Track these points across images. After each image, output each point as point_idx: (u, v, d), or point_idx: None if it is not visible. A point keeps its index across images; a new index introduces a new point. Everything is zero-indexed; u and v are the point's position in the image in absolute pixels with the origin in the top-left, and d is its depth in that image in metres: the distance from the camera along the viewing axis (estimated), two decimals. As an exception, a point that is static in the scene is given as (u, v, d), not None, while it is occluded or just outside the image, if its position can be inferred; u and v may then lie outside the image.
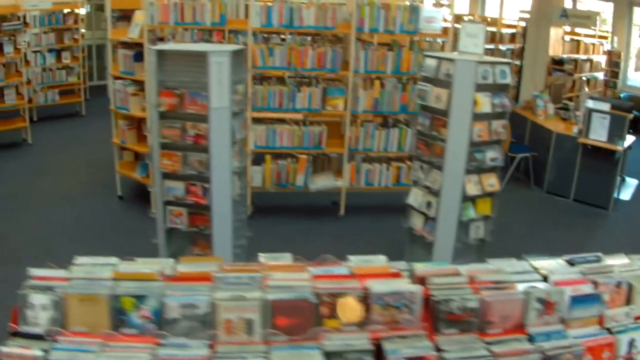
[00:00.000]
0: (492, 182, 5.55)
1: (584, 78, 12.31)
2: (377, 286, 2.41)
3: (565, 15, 9.98)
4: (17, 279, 5.34)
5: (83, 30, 11.95)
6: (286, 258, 2.94)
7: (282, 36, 9.19)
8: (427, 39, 9.22)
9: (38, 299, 2.47)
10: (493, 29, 13.53)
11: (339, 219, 7.43)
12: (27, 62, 10.37)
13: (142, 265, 2.77)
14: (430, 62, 5.49)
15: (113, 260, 2.81)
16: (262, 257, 2.89)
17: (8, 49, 9.64)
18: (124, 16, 7.39)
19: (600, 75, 13.45)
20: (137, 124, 7.23)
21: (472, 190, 5.45)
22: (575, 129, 8.51)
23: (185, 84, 4.72)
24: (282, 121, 7.05)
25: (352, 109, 6.98)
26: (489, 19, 13.88)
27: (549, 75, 10.79)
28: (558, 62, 10.96)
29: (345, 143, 7.08)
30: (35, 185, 8.28)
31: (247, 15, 6.81)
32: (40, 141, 10.30)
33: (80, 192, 8.08)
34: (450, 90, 5.21)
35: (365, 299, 2.38)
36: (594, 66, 12.95)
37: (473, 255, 5.74)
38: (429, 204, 5.68)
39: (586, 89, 11.72)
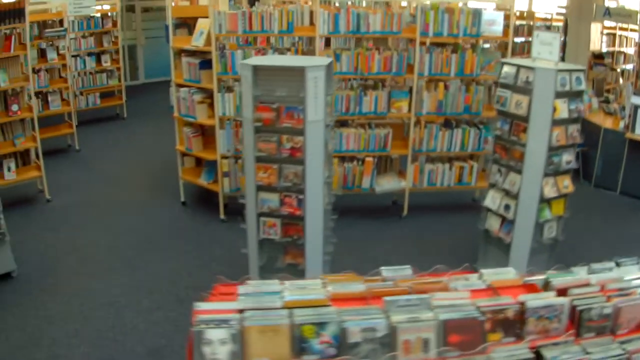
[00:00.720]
0: (566, 184, 5.68)
1: (620, 70, 12.33)
2: (533, 301, 2.59)
3: (608, 13, 10.07)
4: (95, 294, 5.50)
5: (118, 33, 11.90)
6: (406, 270, 3.09)
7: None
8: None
9: (215, 334, 2.49)
10: (522, 22, 13.53)
11: (402, 219, 7.53)
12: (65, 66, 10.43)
13: (303, 291, 2.84)
14: (509, 69, 5.59)
15: (274, 285, 2.89)
16: (385, 271, 3.08)
17: (52, 54, 9.71)
18: (183, 23, 7.42)
19: (630, 67, 13.44)
20: (202, 131, 7.29)
21: (550, 192, 5.59)
22: (621, 124, 8.60)
23: (280, 98, 4.79)
24: (347, 124, 7.13)
25: (416, 111, 7.04)
26: (516, 13, 13.83)
27: (590, 70, 10.85)
28: (598, 57, 11.01)
29: (409, 144, 7.17)
30: (94, 193, 8.39)
31: (311, 22, 6.84)
32: (86, 146, 10.38)
33: (141, 199, 8.18)
34: (530, 97, 5.33)
35: (522, 313, 2.56)
36: (627, 58, 12.96)
37: (545, 254, 5.89)
38: (507, 207, 5.77)
39: (621, 81, 11.76)
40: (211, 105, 7.09)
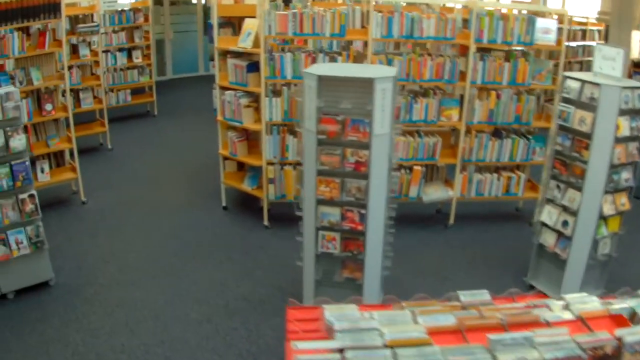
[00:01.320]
0: (623, 202, 5.58)
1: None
2: (630, 337, 2.53)
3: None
4: (139, 304, 5.34)
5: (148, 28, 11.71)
6: (484, 295, 3.07)
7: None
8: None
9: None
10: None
11: (448, 229, 7.34)
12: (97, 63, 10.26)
13: (399, 327, 2.71)
14: (573, 84, 5.43)
15: (373, 322, 2.74)
16: (462, 296, 3.04)
17: (84, 51, 9.55)
18: (227, 22, 7.22)
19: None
20: (246, 135, 7.11)
21: (608, 210, 5.49)
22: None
23: (345, 110, 4.61)
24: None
25: (467, 120, 6.84)
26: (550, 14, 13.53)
27: (630, 78, 10.57)
28: (637, 65, 10.73)
29: (459, 154, 6.99)
30: (130, 195, 8.26)
31: (362, 25, 6.63)
32: (118, 145, 10.23)
33: (180, 202, 8.04)
34: (594, 114, 5.20)
35: (619, 348, 2.52)
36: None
37: (598, 270, 5.81)
38: (565, 223, 5.62)
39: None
40: (257, 110, 6.90)
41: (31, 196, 5.57)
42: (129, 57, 11.45)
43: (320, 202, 4.91)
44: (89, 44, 9.63)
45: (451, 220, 7.38)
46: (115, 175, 8.93)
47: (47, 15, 7.02)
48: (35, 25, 7.16)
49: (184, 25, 15.84)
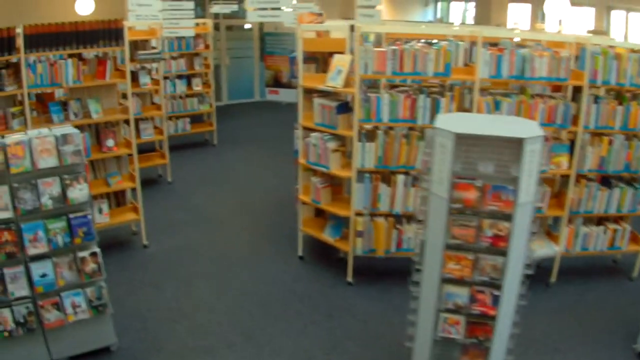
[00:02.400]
0: None
1: None
2: None
3: None
4: None
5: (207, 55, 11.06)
6: None
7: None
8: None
9: None
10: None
11: (550, 288, 6.44)
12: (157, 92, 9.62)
13: None
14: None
15: None
16: None
17: (144, 79, 8.88)
18: (311, 57, 6.49)
19: None
20: (331, 182, 6.35)
21: None
22: None
23: (484, 174, 3.81)
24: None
25: (578, 168, 6.02)
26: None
27: None
28: None
29: (567, 204, 6.11)
30: (194, 238, 7.54)
31: (465, 63, 5.85)
32: (178, 178, 9.55)
33: (249, 248, 7.30)
34: None
35: None
36: None
37: None
38: None
39: None
40: (344, 153, 6.16)
41: (93, 254, 4.84)
42: (189, 84, 10.82)
43: (446, 280, 4.10)
44: (149, 71, 8.99)
45: (553, 278, 6.50)
46: (177, 213, 8.22)
47: (108, 42, 6.36)
48: (93, 53, 6.50)
49: (240, 51, 15.27)
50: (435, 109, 5.72)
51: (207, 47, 10.89)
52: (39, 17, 12.09)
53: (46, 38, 6.04)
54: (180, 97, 10.75)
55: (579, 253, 6.45)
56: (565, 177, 6.18)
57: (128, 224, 7.36)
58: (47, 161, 4.52)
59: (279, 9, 6.69)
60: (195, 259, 6.95)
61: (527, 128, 3.92)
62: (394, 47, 5.63)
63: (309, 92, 6.23)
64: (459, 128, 3.80)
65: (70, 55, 6.25)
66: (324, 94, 6.11)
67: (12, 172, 4.42)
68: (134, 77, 8.80)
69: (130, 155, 6.84)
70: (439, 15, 19.92)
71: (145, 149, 9.37)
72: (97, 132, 6.74)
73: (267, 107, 15.36)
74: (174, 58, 10.53)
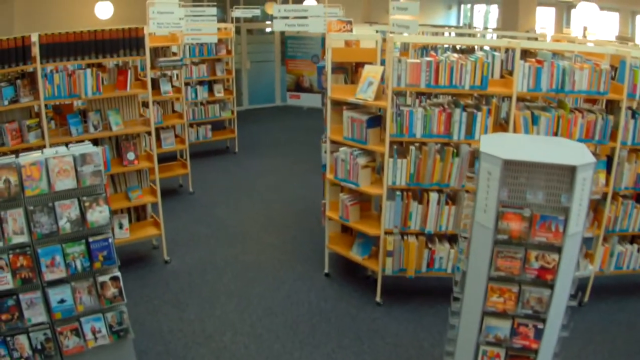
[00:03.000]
0: None
1: None
2: None
3: None
4: None
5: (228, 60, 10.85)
6: None
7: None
8: None
9: None
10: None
11: (583, 307, 6.14)
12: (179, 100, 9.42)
13: None
14: None
15: None
16: None
17: (165, 87, 8.68)
18: (339, 67, 6.24)
19: None
20: (360, 198, 6.10)
21: None
22: None
23: (532, 202, 3.54)
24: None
25: (616, 185, 5.77)
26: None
27: None
28: None
29: (603, 223, 5.85)
30: (217, 253, 7.33)
31: (501, 75, 5.57)
32: (199, 188, 9.35)
33: (273, 264, 7.06)
34: None
35: None
36: None
37: None
38: None
39: None
40: (374, 169, 5.91)
41: (114, 279, 4.61)
42: (210, 90, 10.62)
43: (488, 313, 3.83)
44: (170, 78, 8.79)
45: (586, 298, 6.21)
46: (199, 226, 8.01)
47: (128, 51, 6.15)
48: (113, 62, 6.30)
49: (261, 55, 15.05)
50: (471, 124, 5.45)
51: (229, 52, 10.68)
52: (59, 22, 12.00)
53: (63, 47, 5.85)
54: (202, 104, 10.56)
55: (614, 272, 6.19)
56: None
57: (149, 239, 7.14)
58: (65, 183, 4.29)
59: (305, 17, 6.42)
60: (219, 275, 6.73)
61: (576, 153, 3.65)
62: (428, 59, 5.37)
63: (338, 104, 5.98)
64: (506, 153, 3.53)
65: (89, 65, 6.06)
66: (354, 106, 5.85)
67: (28, 194, 4.19)
68: (155, 84, 8.61)
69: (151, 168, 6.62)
70: (462, 19, 19.60)
71: (166, 158, 9.18)
72: (118, 145, 6.55)
73: (289, 112, 15.15)
74: (195, 64, 10.33)
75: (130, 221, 6.86)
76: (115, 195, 6.64)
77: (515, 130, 5.49)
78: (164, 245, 6.99)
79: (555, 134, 5.53)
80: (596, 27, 12.56)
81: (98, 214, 4.44)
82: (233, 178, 9.97)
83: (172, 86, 8.77)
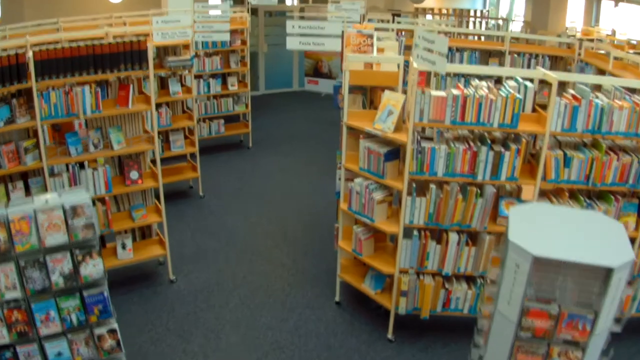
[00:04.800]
0: None
1: None
2: None
3: None
4: None
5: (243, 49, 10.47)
6: None
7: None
8: None
9: None
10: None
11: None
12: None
13: None
14: None
15: None
16: None
17: (175, 87, 8.33)
18: (357, 87, 5.89)
19: None
20: (375, 231, 5.81)
21: None
22: None
23: (560, 297, 3.24)
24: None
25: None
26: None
27: None
28: None
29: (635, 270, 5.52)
30: (226, 273, 7.09)
31: (533, 108, 5.20)
32: (211, 191, 9.09)
33: (285, 289, 6.81)
34: None
35: None
36: None
37: None
38: None
39: None
40: (391, 203, 5.60)
41: (111, 331, 4.40)
42: (224, 83, 10.27)
43: (508, 406, 3.56)
44: (181, 77, 8.46)
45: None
46: (208, 239, 7.76)
47: (130, 65, 5.84)
48: (114, 76, 6.00)
49: (280, 38, 14.52)
50: (498, 164, 5.11)
51: (243, 42, 10.29)
52: (72, 8, 11.71)
53: (60, 63, 5.53)
54: (215, 98, 10.22)
55: (634, 315, 5.91)
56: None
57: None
58: (55, 237, 4.04)
59: (322, 35, 6.02)
60: (225, 300, 6.50)
61: (614, 243, 3.31)
62: (455, 92, 5.00)
63: (355, 129, 5.65)
64: (537, 246, 3.19)
65: (90, 82, 5.76)
66: (371, 134, 5.52)
67: (18, 250, 3.96)
68: (164, 84, 8.30)
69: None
70: (488, 4, 18.92)
71: (176, 157, 8.92)
72: (120, 163, 6.28)
73: (306, 98, 14.78)
74: (208, 55, 9.97)
75: (134, 239, 6.65)
76: (117, 215, 6.40)
77: (545, 171, 5.14)
78: (169, 264, 6.77)
79: (588, 177, 5.18)
80: (624, 24, 12.09)
81: (92, 268, 4.20)
82: (245, 179, 9.67)
83: (182, 85, 8.43)
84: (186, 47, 8.18)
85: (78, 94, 5.66)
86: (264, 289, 6.71)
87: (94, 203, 5.94)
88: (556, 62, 9.00)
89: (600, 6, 13.72)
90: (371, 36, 6.18)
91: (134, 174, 6.22)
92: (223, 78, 10.25)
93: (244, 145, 11.17)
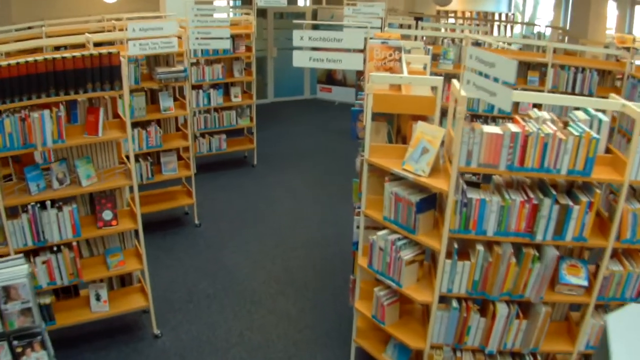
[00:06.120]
0: None
1: None
2: None
3: None
4: None
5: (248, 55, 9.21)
6: None
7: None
8: None
9: None
10: None
11: None
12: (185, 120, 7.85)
13: None
14: None
15: None
16: None
17: (166, 102, 7.06)
18: (382, 112, 4.62)
19: None
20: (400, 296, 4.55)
21: None
22: None
23: None
24: None
25: None
26: None
27: None
28: None
29: None
30: (220, 326, 5.86)
31: (607, 148, 3.92)
32: (208, 218, 7.83)
33: (290, 349, 5.53)
34: None
35: None
36: None
37: None
38: None
39: None
40: (422, 263, 4.34)
41: None
42: (226, 94, 9.03)
43: None
44: (174, 89, 7.22)
45: None
46: (200, 280, 6.50)
47: (99, 84, 4.60)
48: (82, 98, 4.78)
49: (291, 42, 13.24)
50: (563, 221, 3.84)
51: (248, 49, 9.04)
52: (65, 7, 10.51)
53: (14, 84, 4.32)
54: (216, 110, 8.98)
55: None
56: None
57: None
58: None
59: (338, 48, 4.65)
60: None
61: None
62: (514, 129, 3.74)
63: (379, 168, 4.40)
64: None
65: (51, 105, 4.53)
66: (400, 176, 4.27)
67: None
68: (154, 98, 7.05)
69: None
70: (513, 6, 17.60)
71: (167, 183, 7.71)
72: (92, 199, 5.06)
73: (318, 107, 13.51)
74: (208, 63, 8.73)
75: (111, 286, 5.46)
76: (89, 260, 5.20)
77: (620, 228, 3.87)
78: (153, 317, 5.54)
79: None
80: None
81: (35, 362, 2.99)
82: (248, 204, 8.38)
83: (176, 99, 7.19)
84: (180, 55, 6.95)
85: (36, 120, 4.43)
86: (264, 350, 5.46)
87: (59, 249, 4.78)
88: (604, 77, 7.70)
89: (634, 12, 12.40)
90: (399, 49, 4.92)
91: (107, 214, 4.99)
92: (225, 88, 9.01)
93: (248, 162, 9.90)
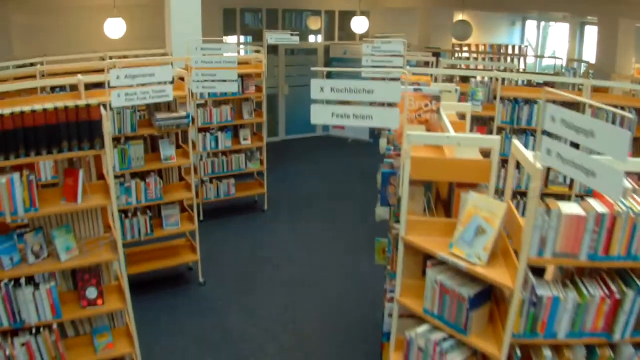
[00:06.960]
0: None
1: None
2: None
3: None
4: None
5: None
6: None
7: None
8: None
9: None
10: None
11: None
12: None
13: None
14: None
15: None
16: None
17: (167, 151, 6.13)
18: (418, 180, 3.68)
19: None
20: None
21: None
22: None
23: None
24: None
25: None
26: None
27: None
28: None
29: None
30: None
31: None
32: (213, 274, 6.88)
33: None
34: None
35: None
36: None
37: None
38: None
39: None
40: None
41: None
42: (235, 136, 8.15)
43: None
44: (176, 136, 6.33)
45: None
46: (202, 353, 5.53)
47: (76, 142, 3.71)
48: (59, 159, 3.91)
49: (302, 79, 12.45)
50: (650, 320, 2.89)
51: (259, 89, 8.17)
52: (68, 43, 9.74)
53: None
54: (224, 154, 8.09)
55: None
56: None
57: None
58: None
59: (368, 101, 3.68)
60: None
61: None
62: (601, 210, 2.80)
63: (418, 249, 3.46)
64: None
65: (22, 167, 3.65)
66: (444, 261, 3.32)
67: None
68: (154, 145, 6.16)
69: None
70: (525, 40, 16.81)
71: (172, 236, 6.79)
72: (74, 276, 4.15)
73: (331, 145, 12.62)
74: (215, 105, 7.86)
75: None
76: (74, 341, 4.31)
77: None
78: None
79: None
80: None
81: None
82: (257, 257, 7.38)
83: (178, 146, 6.30)
84: (183, 98, 6.07)
85: (2, 186, 3.54)
86: None
87: (38, 331, 3.88)
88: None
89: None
90: (437, 98, 4.02)
91: (91, 292, 4.08)
92: (234, 130, 8.12)
93: (258, 206, 8.96)
